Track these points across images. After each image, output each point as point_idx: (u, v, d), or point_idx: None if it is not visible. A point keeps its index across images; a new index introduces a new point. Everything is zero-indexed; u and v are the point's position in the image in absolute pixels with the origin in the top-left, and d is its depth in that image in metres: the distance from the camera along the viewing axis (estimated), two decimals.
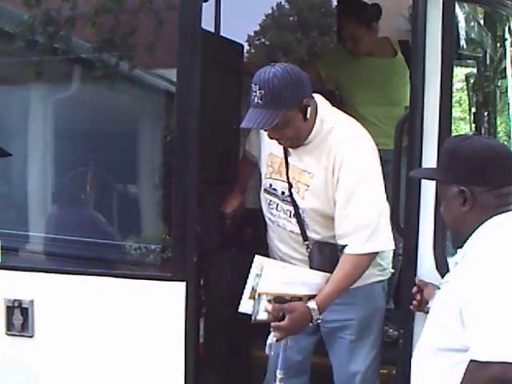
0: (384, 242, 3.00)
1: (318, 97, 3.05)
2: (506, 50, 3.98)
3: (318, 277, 2.94)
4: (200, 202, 3.29)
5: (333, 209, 3.01)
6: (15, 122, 4.30)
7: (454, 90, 4.23)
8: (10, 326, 3.48)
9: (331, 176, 2.98)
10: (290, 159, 3.11)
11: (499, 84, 4.30)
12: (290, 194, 3.10)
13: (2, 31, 4.16)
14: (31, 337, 3.47)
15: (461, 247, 2.37)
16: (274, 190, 3.18)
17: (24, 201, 4.21)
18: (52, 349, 3.47)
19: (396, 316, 3.36)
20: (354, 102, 4.38)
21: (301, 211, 3.10)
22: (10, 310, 3.47)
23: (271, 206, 3.22)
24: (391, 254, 3.32)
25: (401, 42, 4.35)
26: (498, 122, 4.60)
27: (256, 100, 2.85)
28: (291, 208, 3.13)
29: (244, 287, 2.87)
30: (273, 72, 2.83)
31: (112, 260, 3.82)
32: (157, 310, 3.28)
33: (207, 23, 4.04)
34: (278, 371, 3.01)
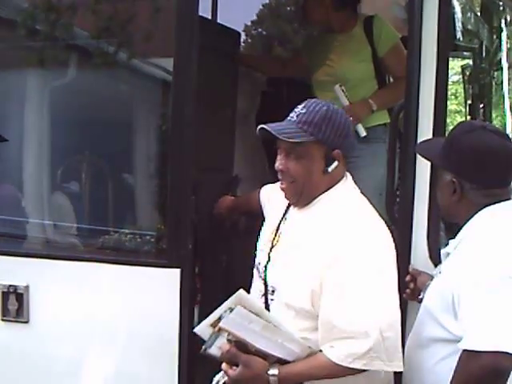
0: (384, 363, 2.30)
1: (350, 181, 2.58)
2: (501, 41, 3.99)
3: (297, 344, 2.37)
4: (195, 190, 3.30)
5: (310, 305, 2.38)
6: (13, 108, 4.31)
7: (450, 83, 4.24)
8: (5, 312, 3.49)
9: (324, 264, 2.34)
10: (282, 227, 2.60)
11: (495, 76, 4.31)
12: (265, 268, 2.58)
13: (2, 18, 4.17)
14: (26, 322, 3.47)
15: (453, 238, 2.38)
16: (259, 263, 2.67)
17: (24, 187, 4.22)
18: (47, 334, 3.48)
19: None
20: (312, 83, 4.15)
21: (270, 290, 2.54)
22: (4, 295, 3.47)
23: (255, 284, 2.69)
24: None
25: (366, 17, 4.07)
26: (494, 115, 4.61)
27: (292, 114, 2.49)
28: (262, 286, 2.61)
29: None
30: (328, 104, 2.50)
31: (108, 246, 3.83)
32: (152, 296, 3.29)
33: (204, 10, 4.06)
34: None
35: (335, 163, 2.45)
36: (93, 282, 3.38)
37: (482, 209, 2.30)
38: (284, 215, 2.63)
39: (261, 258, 2.63)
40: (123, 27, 4.05)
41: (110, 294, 3.36)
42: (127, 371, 3.37)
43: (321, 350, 2.35)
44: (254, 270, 2.69)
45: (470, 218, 2.32)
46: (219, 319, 2.37)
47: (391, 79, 4.11)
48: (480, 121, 4.30)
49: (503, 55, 3.99)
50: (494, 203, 2.30)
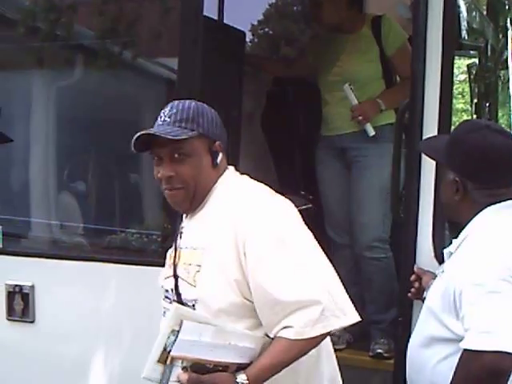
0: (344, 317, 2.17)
1: (233, 170, 2.44)
2: (507, 40, 3.98)
3: (249, 339, 2.18)
4: None
5: (240, 296, 2.19)
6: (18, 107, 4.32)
7: (456, 82, 4.22)
8: (10, 312, 3.49)
9: (235, 251, 2.18)
10: (179, 243, 2.38)
11: (501, 75, 4.30)
12: (176, 288, 2.33)
13: (6, 18, 4.18)
14: (32, 322, 3.48)
15: (456, 237, 2.38)
16: (166, 291, 2.41)
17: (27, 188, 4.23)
18: (53, 334, 3.48)
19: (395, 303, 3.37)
20: (319, 84, 4.16)
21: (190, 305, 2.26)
22: (10, 295, 3.48)
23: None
24: None
25: (374, 17, 4.05)
26: (500, 114, 4.60)
27: (161, 118, 2.31)
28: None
29: None
30: (191, 100, 2.37)
31: (114, 246, 3.84)
32: (158, 295, 3.28)
33: (211, 10, 4.07)
34: None
35: (220, 155, 2.33)
36: (98, 282, 3.39)
37: (484, 208, 2.29)
38: (179, 233, 2.41)
39: (167, 285, 2.39)
40: (131, 27, 4.06)
41: (115, 294, 3.37)
42: (133, 370, 3.36)
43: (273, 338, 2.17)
44: (162, 303, 2.42)
45: (472, 217, 2.31)
46: (165, 350, 2.10)
47: (398, 79, 4.10)
48: (484, 120, 4.28)
49: (509, 54, 3.98)
50: (497, 203, 2.29)
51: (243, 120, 4.05)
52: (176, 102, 2.35)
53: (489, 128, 2.33)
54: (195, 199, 2.32)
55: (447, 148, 2.36)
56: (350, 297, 2.20)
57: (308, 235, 2.26)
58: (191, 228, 2.36)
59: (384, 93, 3.94)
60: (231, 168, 2.42)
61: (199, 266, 2.26)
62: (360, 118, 3.81)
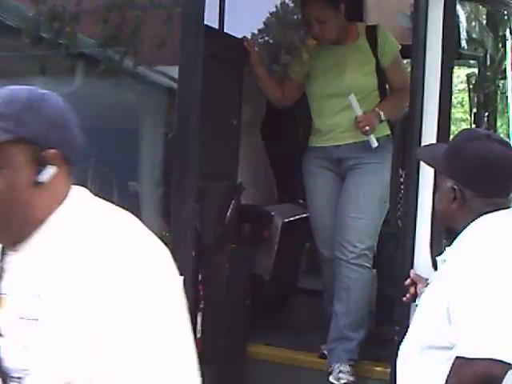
0: None
1: (87, 193, 1.71)
2: (506, 50, 3.99)
3: None
4: (199, 198, 3.30)
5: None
6: None
7: (456, 91, 4.22)
8: None
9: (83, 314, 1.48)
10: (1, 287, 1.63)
11: (500, 85, 4.31)
12: None
13: (9, 26, 4.19)
14: (36, 320, 3.46)
15: (449, 245, 2.38)
16: None
17: None
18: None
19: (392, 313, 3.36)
20: (309, 94, 4.07)
21: (15, 379, 1.55)
22: None
23: None
24: None
25: (368, 27, 4.01)
26: (499, 124, 4.61)
27: None
28: None
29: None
30: (31, 87, 1.69)
31: None
32: None
33: (211, 21, 4.07)
34: None
35: (50, 168, 1.59)
36: None
37: (480, 216, 2.30)
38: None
39: None
40: (132, 36, 4.07)
41: None
42: None
43: None
44: None
45: (467, 225, 2.31)
46: None
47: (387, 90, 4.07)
48: (484, 129, 4.29)
49: (508, 64, 3.99)
50: (493, 211, 2.29)
51: (243, 128, 4.06)
52: (8, 89, 1.68)
53: (489, 137, 2.33)
54: (11, 229, 1.62)
55: (446, 156, 2.36)
56: None
57: (177, 314, 1.61)
58: (20, 267, 1.64)
59: (383, 103, 3.91)
60: (85, 191, 1.72)
61: (36, 319, 1.54)
62: (367, 127, 3.76)
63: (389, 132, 3.88)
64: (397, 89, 3.91)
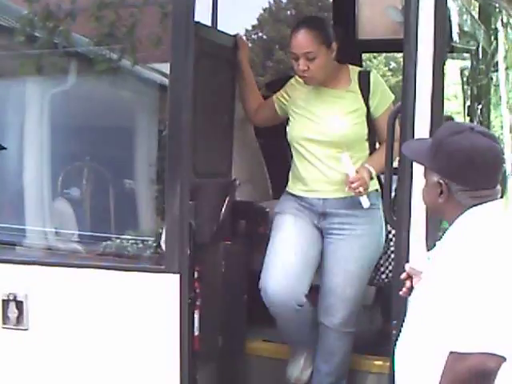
0: None
1: None
2: (498, 43, 3.98)
3: None
4: (194, 195, 3.30)
5: None
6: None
7: (451, 84, 4.23)
8: (5, 320, 3.49)
9: None
10: None
11: (493, 77, 4.30)
12: None
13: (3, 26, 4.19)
14: (26, 330, 3.48)
15: (439, 239, 2.39)
16: None
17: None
18: (47, 342, 3.48)
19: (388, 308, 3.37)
20: (290, 134, 3.76)
21: None
22: (5, 303, 3.48)
23: None
24: None
25: (361, 72, 3.74)
26: (493, 116, 4.60)
27: None
28: None
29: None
30: None
31: (107, 253, 3.84)
32: (151, 302, 3.29)
33: (204, 17, 4.07)
34: None
35: None
36: (91, 289, 3.39)
37: (468, 209, 2.30)
38: None
39: None
40: (125, 33, 4.06)
41: (109, 301, 3.36)
42: (128, 377, 3.38)
43: None
44: None
45: (456, 219, 2.31)
46: None
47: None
48: (478, 122, 4.29)
49: (500, 56, 3.99)
50: (481, 204, 2.30)
51: (237, 124, 4.05)
52: None
53: (472, 130, 2.33)
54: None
55: (431, 150, 2.36)
56: None
57: None
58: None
59: (373, 157, 3.64)
60: None
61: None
62: (361, 189, 3.48)
63: (377, 187, 3.70)
64: (384, 141, 3.48)
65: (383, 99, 3.67)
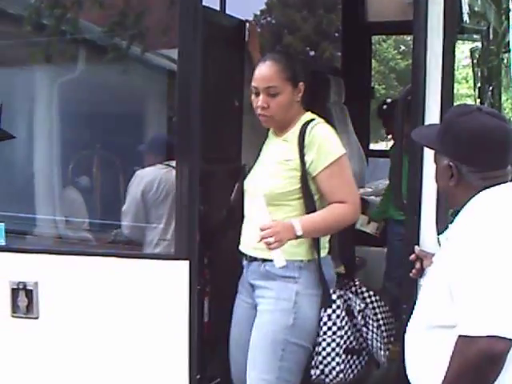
0: None
1: None
2: (509, 22, 3.93)
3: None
4: (203, 180, 3.29)
5: None
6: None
7: (461, 67, 4.17)
8: (15, 308, 3.49)
9: None
10: None
11: (504, 58, 4.25)
12: None
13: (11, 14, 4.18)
14: (36, 318, 3.48)
15: (451, 222, 2.36)
16: None
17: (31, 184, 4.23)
18: (57, 330, 3.48)
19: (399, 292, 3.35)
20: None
21: None
22: (14, 292, 3.48)
23: None
24: None
25: (305, 123, 3.13)
26: (504, 98, 4.56)
27: None
28: None
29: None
30: None
31: (116, 240, 3.84)
32: (161, 289, 3.28)
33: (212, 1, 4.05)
34: None
35: None
36: (101, 277, 3.38)
37: (480, 192, 2.27)
38: None
39: None
40: (133, 19, 4.05)
41: (119, 288, 3.36)
42: (137, 364, 3.38)
43: None
44: None
45: (468, 202, 2.29)
46: None
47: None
48: (488, 104, 4.26)
49: (511, 37, 3.93)
50: (493, 185, 2.27)
51: (245, 109, 4.03)
52: None
53: (480, 111, 2.31)
54: None
55: (440, 133, 2.35)
56: None
57: None
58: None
59: (306, 216, 3.06)
60: None
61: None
62: (272, 239, 2.88)
63: (303, 258, 3.10)
64: (332, 203, 3.09)
65: (321, 155, 3.07)
